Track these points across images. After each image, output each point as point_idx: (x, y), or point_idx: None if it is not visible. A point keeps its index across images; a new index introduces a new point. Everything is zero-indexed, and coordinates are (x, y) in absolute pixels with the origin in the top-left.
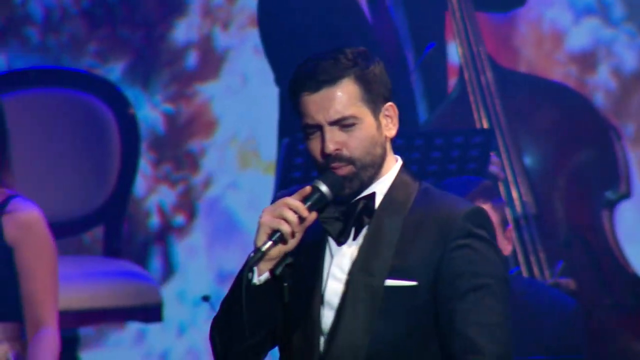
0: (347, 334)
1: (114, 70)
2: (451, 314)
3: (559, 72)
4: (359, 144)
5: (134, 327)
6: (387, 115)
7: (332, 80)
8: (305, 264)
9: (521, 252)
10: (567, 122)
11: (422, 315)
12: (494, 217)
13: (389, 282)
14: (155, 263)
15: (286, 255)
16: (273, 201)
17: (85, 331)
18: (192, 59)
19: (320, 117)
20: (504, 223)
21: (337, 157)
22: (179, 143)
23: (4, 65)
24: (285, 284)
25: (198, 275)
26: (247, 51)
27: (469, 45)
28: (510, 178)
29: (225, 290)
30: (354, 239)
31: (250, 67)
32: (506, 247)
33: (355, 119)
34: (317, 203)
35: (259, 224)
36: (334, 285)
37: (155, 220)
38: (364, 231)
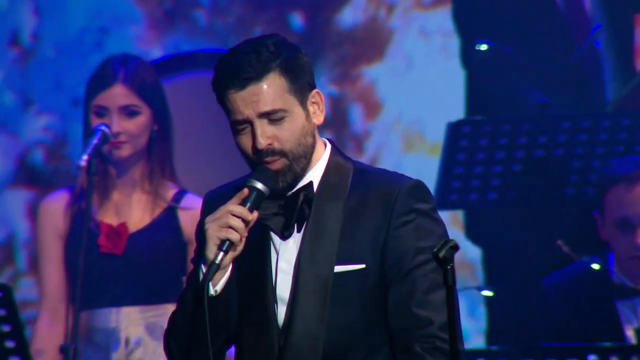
0: (303, 325)
1: None
2: (398, 292)
3: None
4: (289, 136)
5: None
6: (314, 102)
7: (258, 76)
8: (251, 263)
9: None
10: None
11: (374, 295)
12: None
13: (338, 269)
14: None
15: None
16: (204, 201)
17: None
18: (357, 41)
19: (249, 112)
20: None
21: (269, 152)
22: (343, 125)
23: (173, 48)
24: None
25: None
26: (413, 33)
27: None
28: None
29: None
30: (298, 231)
31: (415, 49)
32: None
33: (284, 112)
34: (257, 202)
35: (206, 237)
36: (284, 279)
37: None
38: (307, 222)
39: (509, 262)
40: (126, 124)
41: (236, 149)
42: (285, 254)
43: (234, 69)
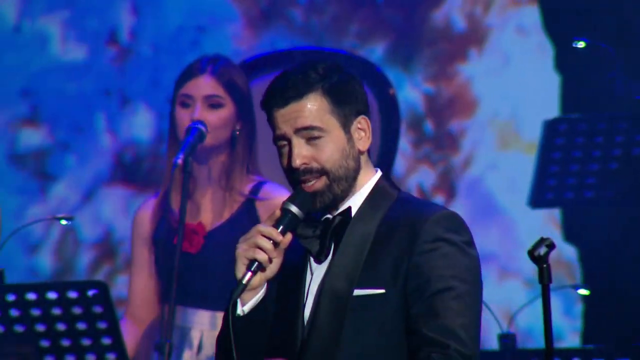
0: (318, 346)
1: (375, 51)
2: (416, 318)
3: None
4: (329, 156)
5: None
6: (360, 129)
7: (299, 94)
8: (289, 285)
9: None
10: None
11: (394, 322)
12: None
13: (357, 292)
14: None
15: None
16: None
17: None
18: (453, 39)
19: (287, 129)
20: None
21: (307, 171)
22: (438, 123)
23: (268, 46)
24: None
25: None
26: (509, 31)
27: None
28: None
29: (483, 271)
30: (333, 255)
31: (512, 47)
32: None
33: (322, 131)
34: (290, 225)
35: (235, 256)
36: (312, 301)
37: None
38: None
39: (605, 261)
40: (208, 114)
41: None
42: (317, 277)
43: (280, 88)
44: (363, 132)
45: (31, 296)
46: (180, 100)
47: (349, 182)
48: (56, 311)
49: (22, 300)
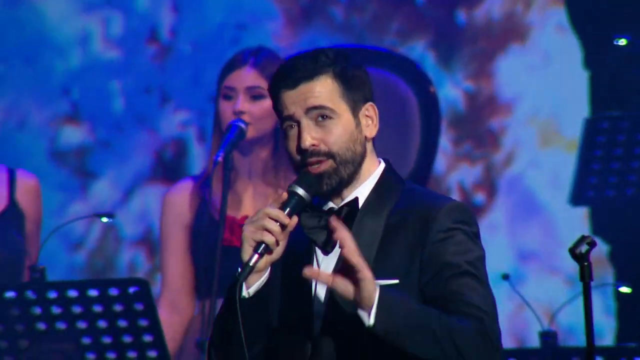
0: (335, 339)
1: (415, 49)
2: (437, 300)
3: None
4: (337, 138)
5: None
6: (368, 116)
7: (310, 76)
8: (295, 276)
9: None
10: None
11: None
12: None
13: None
14: None
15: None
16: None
17: None
18: (492, 37)
19: (297, 109)
20: None
21: (315, 153)
22: (479, 121)
23: (309, 44)
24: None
25: (498, 253)
26: (550, 29)
27: None
28: None
29: (525, 269)
30: (340, 246)
31: (552, 44)
32: None
33: (333, 112)
34: (297, 207)
35: (242, 238)
36: (320, 293)
37: (455, 198)
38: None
39: (638, 258)
40: (250, 105)
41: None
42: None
43: (289, 69)
44: (370, 120)
45: (72, 293)
46: (223, 92)
47: (355, 167)
48: (97, 308)
49: (63, 298)
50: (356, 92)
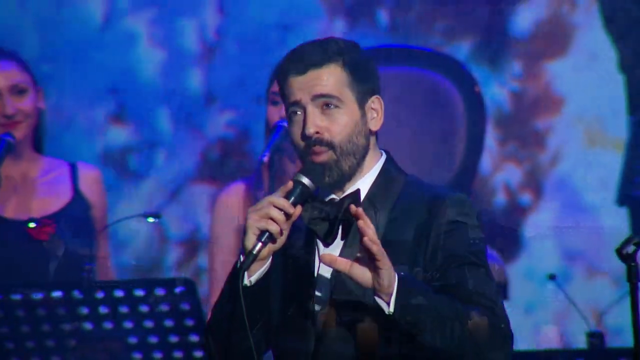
0: (337, 332)
1: (461, 49)
2: (446, 289)
3: None
4: (341, 129)
5: None
6: (373, 108)
7: (320, 63)
8: (296, 268)
9: None
10: None
11: None
12: None
13: None
14: (501, 242)
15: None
16: None
17: None
18: (539, 37)
19: (303, 95)
20: None
21: (317, 141)
22: (525, 121)
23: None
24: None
25: (545, 254)
26: (596, 28)
27: None
28: None
29: (571, 269)
30: (342, 238)
31: (598, 44)
32: None
33: (339, 101)
34: (301, 196)
35: (245, 226)
36: (323, 286)
37: (500, 198)
38: (350, 229)
39: None
40: None
41: (406, 139)
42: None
43: (299, 55)
44: (376, 113)
45: (119, 293)
46: (270, 98)
47: (357, 160)
48: (143, 308)
49: (110, 298)
50: (364, 83)
